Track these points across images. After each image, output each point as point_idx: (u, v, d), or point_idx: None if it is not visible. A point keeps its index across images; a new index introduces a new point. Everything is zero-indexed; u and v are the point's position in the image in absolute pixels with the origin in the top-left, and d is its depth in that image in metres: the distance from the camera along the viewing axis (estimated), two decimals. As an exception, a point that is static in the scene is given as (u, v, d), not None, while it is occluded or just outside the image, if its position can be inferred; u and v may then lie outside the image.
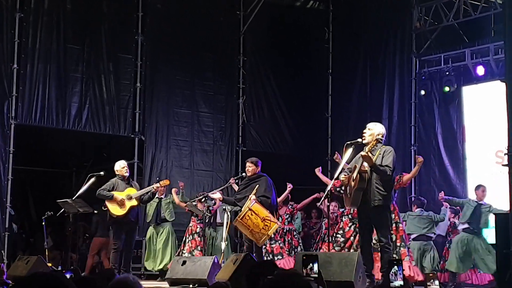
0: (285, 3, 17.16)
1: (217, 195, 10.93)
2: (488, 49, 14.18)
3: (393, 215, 10.43)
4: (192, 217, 13.04)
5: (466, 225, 12.19)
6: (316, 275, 6.77)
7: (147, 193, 11.02)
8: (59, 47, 14.15)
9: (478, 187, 12.41)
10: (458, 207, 12.93)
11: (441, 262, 12.65)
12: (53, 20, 14.14)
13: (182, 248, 12.92)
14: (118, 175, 10.96)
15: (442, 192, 13.05)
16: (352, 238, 10.92)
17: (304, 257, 6.97)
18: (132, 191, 10.83)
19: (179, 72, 15.57)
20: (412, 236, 12.55)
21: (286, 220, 13.35)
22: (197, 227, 12.81)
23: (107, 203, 10.65)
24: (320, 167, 12.18)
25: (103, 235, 13.87)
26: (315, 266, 6.87)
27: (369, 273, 8.45)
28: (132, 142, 14.93)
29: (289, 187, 12.78)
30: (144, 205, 12.03)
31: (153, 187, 11.07)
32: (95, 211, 11.51)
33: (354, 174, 8.40)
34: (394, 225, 10.29)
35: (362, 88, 16.45)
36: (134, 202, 10.72)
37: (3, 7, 13.60)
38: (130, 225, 10.82)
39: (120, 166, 10.99)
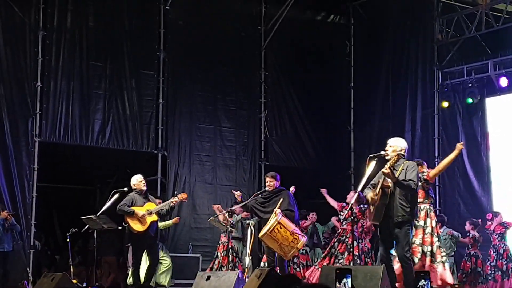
0: (306, 18, 17.18)
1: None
2: (511, 60, 14.12)
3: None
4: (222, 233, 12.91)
5: None
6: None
7: (165, 207, 10.96)
8: (82, 64, 14.27)
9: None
10: (478, 220, 12.88)
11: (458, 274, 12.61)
12: (75, 37, 14.26)
13: (213, 264, 12.83)
14: (135, 189, 10.82)
15: None
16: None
17: (338, 271, 6.92)
18: (152, 206, 10.73)
19: (201, 88, 15.62)
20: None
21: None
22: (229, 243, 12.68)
23: (127, 219, 10.58)
24: (326, 189, 12.24)
25: (112, 253, 13.95)
26: (349, 281, 6.82)
27: (393, 287, 8.37)
28: (155, 158, 14.97)
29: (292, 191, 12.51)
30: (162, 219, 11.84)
31: (171, 201, 10.98)
32: (119, 227, 11.49)
33: (377, 190, 8.34)
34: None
35: (384, 101, 16.40)
36: (154, 217, 10.65)
37: (26, 26, 13.75)
38: (150, 241, 10.76)
39: (138, 180, 10.84)
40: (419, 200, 9.57)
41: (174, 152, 15.15)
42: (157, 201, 11.24)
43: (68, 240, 12.01)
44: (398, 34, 16.20)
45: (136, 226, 10.53)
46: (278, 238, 9.60)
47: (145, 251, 10.85)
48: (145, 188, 10.85)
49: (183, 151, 15.23)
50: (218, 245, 12.98)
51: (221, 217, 12.49)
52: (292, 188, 11.90)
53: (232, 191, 11.60)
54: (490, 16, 14.52)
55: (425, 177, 9.87)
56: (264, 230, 9.72)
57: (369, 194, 8.47)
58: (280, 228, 9.57)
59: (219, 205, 13.28)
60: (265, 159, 16.22)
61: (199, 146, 15.44)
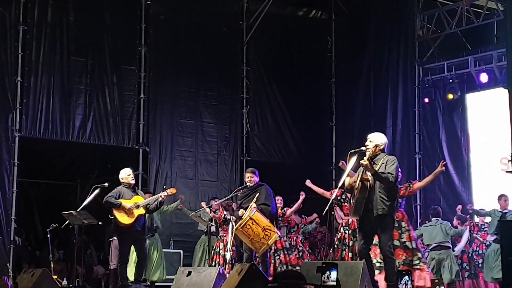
0: (288, 13, 17.20)
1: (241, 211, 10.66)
2: (491, 56, 14.19)
3: (403, 223, 10.39)
4: (224, 226, 12.68)
5: (495, 236, 12.05)
6: (334, 283, 6.76)
7: (154, 201, 10.92)
8: (62, 59, 14.19)
9: (500, 196, 12.21)
10: (467, 216, 12.94)
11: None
12: (56, 32, 14.19)
13: (214, 258, 12.78)
14: (123, 183, 10.80)
15: (470, 204, 13.00)
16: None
17: (324, 265, 6.96)
18: (139, 199, 10.69)
19: (183, 83, 15.60)
20: (430, 247, 12.49)
21: (301, 230, 13.30)
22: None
23: (114, 211, 10.54)
24: (308, 180, 12.00)
25: None
26: (333, 274, 6.84)
27: (372, 281, 8.42)
28: (137, 153, 14.94)
29: (302, 196, 12.46)
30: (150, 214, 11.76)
31: (160, 196, 10.93)
32: (100, 223, 11.45)
33: (356, 183, 8.37)
34: (406, 233, 10.30)
35: (365, 97, 16.47)
36: (141, 211, 10.60)
37: (6, 20, 13.65)
38: (136, 235, 10.69)
39: (126, 174, 10.83)
40: None
41: (156, 147, 15.13)
42: (146, 195, 11.23)
43: (48, 235, 11.96)
44: (380, 30, 16.26)
45: (123, 219, 10.49)
46: (249, 234, 9.64)
47: (132, 246, 10.83)
48: (133, 182, 10.86)
49: (165, 147, 15.22)
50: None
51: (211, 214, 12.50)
52: (302, 194, 11.96)
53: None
54: (470, 12, 14.60)
55: None
56: (237, 224, 9.81)
57: (347, 180, 8.48)
58: (252, 223, 9.61)
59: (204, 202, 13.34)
60: (247, 154, 16.23)
61: (181, 142, 15.43)
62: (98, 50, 14.64)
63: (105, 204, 10.61)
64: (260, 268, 9.38)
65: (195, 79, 15.74)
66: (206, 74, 15.86)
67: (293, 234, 13.08)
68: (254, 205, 9.81)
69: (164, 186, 12.76)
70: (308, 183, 11.92)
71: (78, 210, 10.98)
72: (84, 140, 14.28)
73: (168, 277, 13.05)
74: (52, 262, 11.82)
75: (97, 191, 11.00)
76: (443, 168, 10.80)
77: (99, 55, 14.64)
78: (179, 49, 15.53)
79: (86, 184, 15.99)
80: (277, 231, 9.97)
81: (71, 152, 14.95)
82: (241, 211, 10.13)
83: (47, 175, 16.41)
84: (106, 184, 11.10)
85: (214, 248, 12.78)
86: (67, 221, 11.18)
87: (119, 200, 10.51)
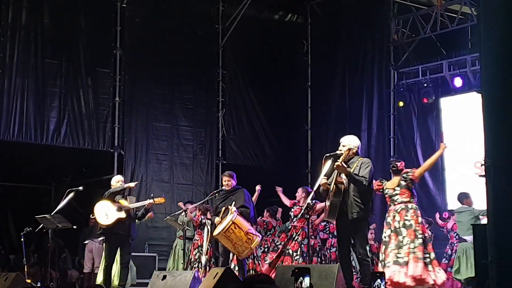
0: (264, 17, 17.23)
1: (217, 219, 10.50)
2: (465, 61, 14.30)
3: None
4: (199, 230, 12.76)
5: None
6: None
7: (141, 207, 10.82)
8: (37, 62, 14.08)
9: (467, 195, 12.28)
10: (431, 218, 13.05)
11: None
12: (30, 35, 14.08)
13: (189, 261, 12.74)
14: None
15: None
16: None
17: (296, 270, 6.96)
18: (124, 203, 10.66)
19: (158, 86, 15.55)
20: None
21: (277, 232, 13.31)
22: (202, 241, 12.55)
23: (95, 210, 10.54)
24: (281, 188, 12.25)
25: None
26: (306, 280, 6.84)
27: (349, 285, 8.45)
28: (112, 156, 14.86)
29: (258, 190, 12.03)
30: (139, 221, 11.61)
31: (148, 202, 10.83)
32: (74, 227, 11.38)
33: (331, 186, 8.40)
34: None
35: (341, 101, 16.53)
36: (122, 215, 10.55)
37: (-20, 23, 13.54)
38: (119, 238, 10.63)
39: (115, 180, 10.91)
40: (405, 199, 9.58)
41: (131, 150, 15.07)
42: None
43: (22, 239, 11.86)
44: (355, 34, 16.34)
45: (102, 219, 10.45)
46: (232, 238, 9.60)
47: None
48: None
49: (140, 150, 15.16)
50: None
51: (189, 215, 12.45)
52: (258, 187, 11.93)
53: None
54: (445, 17, 14.71)
55: (410, 177, 9.59)
56: (219, 229, 9.71)
57: (322, 181, 8.47)
58: (235, 228, 9.56)
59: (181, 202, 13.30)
60: (223, 158, 16.23)
61: (156, 145, 15.38)
62: (73, 53, 14.55)
63: (110, 196, 10.52)
64: (236, 272, 9.39)
65: (171, 82, 15.71)
66: (181, 77, 15.84)
67: (269, 236, 13.10)
68: (234, 208, 9.76)
69: (152, 194, 12.65)
70: (278, 190, 12.15)
71: (52, 213, 10.91)
72: (59, 143, 14.19)
73: (143, 281, 12.99)
74: (26, 266, 11.74)
75: (71, 194, 10.95)
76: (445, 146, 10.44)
77: (74, 57, 14.55)
78: (155, 52, 15.49)
79: (60, 188, 15.85)
80: (259, 234, 10.00)
81: (46, 156, 14.81)
82: (216, 219, 10.01)
83: (21, 179, 16.24)
84: (80, 188, 11.06)
85: (189, 254, 12.75)
86: (41, 225, 11.10)
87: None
